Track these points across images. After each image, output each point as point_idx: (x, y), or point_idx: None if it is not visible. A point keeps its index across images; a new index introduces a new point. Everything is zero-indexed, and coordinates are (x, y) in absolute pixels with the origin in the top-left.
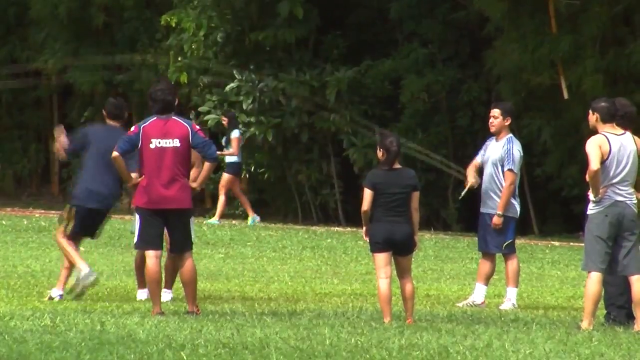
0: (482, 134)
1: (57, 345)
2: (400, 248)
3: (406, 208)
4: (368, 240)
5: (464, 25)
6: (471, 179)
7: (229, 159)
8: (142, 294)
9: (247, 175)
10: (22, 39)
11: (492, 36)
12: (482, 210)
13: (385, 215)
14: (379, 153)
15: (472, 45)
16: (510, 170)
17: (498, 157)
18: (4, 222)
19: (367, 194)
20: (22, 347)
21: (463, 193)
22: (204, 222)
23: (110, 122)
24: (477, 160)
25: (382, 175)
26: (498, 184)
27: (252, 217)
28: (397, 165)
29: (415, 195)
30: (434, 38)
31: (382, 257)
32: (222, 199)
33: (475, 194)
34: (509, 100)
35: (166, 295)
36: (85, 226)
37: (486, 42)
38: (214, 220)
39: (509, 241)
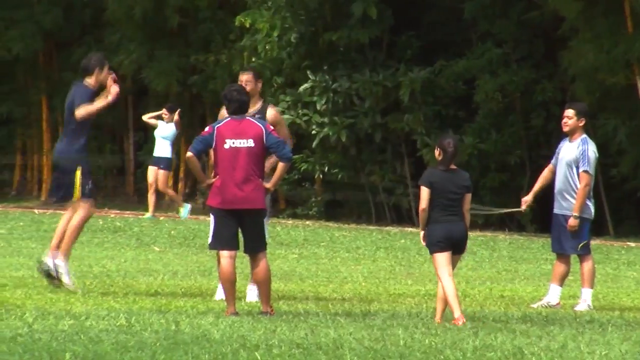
0: (557, 134)
1: (132, 345)
2: (457, 247)
3: (460, 209)
4: (426, 243)
5: (538, 25)
6: (526, 200)
7: (162, 155)
8: (251, 294)
9: (321, 176)
10: (97, 40)
11: (567, 36)
12: (556, 211)
13: (443, 215)
14: (436, 153)
15: (546, 45)
16: (585, 171)
17: (573, 157)
18: None
19: (425, 192)
20: (98, 347)
21: (511, 210)
22: (142, 217)
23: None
24: (552, 163)
25: (439, 175)
26: (572, 185)
27: (151, 215)
28: (453, 166)
29: (468, 197)
30: (508, 38)
31: (444, 257)
32: (171, 193)
33: (549, 194)
34: (584, 101)
35: (252, 293)
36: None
37: (561, 42)
38: (183, 214)
39: (585, 242)
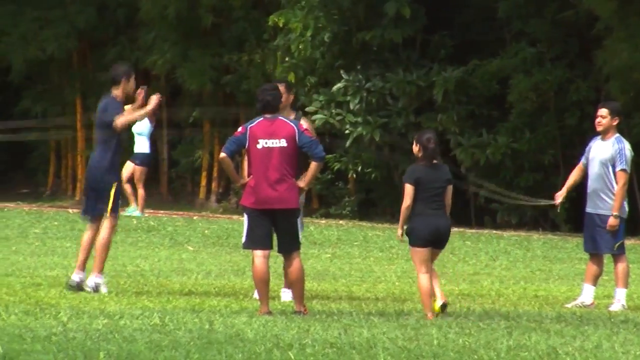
0: (591, 134)
1: (166, 344)
2: (440, 242)
3: (443, 202)
4: (407, 235)
5: (572, 24)
6: (560, 196)
7: (139, 150)
8: (286, 295)
9: (355, 175)
10: (131, 39)
11: (601, 35)
12: (590, 210)
13: (428, 209)
14: (416, 149)
15: (580, 44)
16: (623, 170)
17: (608, 156)
18: None
19: (409, 188)
20: (132, 346)
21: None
22: (126, 214)
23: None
24: (582, 162)
25: (422, 171)
26: (608, 184)
27: (133, 208)
28: (435, 161)
29: (450, 189)
30: (542, 37)
31: (424, 252)
32: (140, 192)
33: (583, 194)
34: (618, 100)
35: (285, 294)
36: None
37: (595, 41)
38: (136, 211)
39: (620, 242)
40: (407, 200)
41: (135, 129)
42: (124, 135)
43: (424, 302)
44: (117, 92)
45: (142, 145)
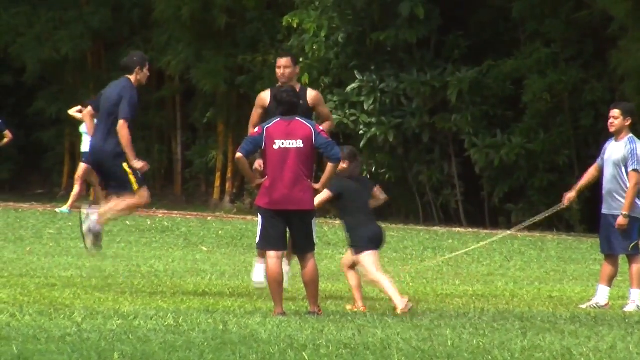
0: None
1: (180, 345)
2: (380, 244)
3: (371, 209)
4: (356, 246)
5: (587, 25)
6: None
7: (87, 149)
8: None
9: (369, 176)
10: (145, 40)
11: (616, 35)
12: (605, 211)
13: (364, 219)
14: (344, 165)
15: (595, 45)
16: (635, 170)
17: (621, 157)
18: (127, 222)
19: (325, 195)
20: (146, 347)
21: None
22: (56, 210)
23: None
24: (598, 163)
25: (351, 185)
26: (622, 184)
27: (67, 208)
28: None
29: (377, 188)
30: (557, 37)
31: (373, 255)
32: (76, 189)
33: (598, 194)
34: (633, 100)
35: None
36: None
37: (610, 42)
38: (64, 209)
39: (635, 242)
40: (317, 199)
41: (82, 129)
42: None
43: (393, 298)
44: (130, 77)
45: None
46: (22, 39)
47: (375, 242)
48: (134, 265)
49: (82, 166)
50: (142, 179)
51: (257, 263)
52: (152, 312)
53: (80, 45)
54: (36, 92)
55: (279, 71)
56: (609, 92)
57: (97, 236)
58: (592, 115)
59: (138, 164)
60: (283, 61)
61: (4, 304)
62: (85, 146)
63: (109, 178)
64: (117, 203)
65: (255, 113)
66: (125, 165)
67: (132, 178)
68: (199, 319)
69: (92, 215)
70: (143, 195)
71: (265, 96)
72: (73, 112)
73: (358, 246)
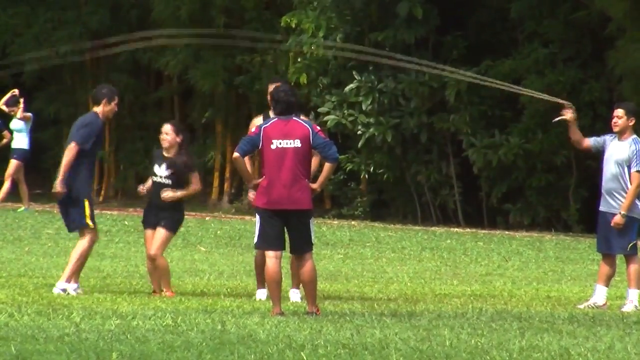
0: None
1: (178, 345)
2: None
3: None
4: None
5: (585, 25)
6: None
7: (18, 146)
8: (262, 294)
9: (367, 176)
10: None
11: (614, 36)
12: (603, 209)
13: None
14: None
15: (593, 45)
16: (638, 171)
17: (624, 157)
18: (126, 223)
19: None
20: (144, 347)
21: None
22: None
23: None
24: (589, 142)
25: None
26: (623, 184)
27: (26, 208)
28: None
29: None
30: (555, 38)
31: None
32: (6, 185)
33: (596, 195)
34: (631, 100)
35: (294, 295)
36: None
37: (608, 42)
38: (23, 208)
39: (633, 242)
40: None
41: (13, 125)
42: (95, 152)
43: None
44: (97, 110)
45: (19, 141)
46: (21, 39)
47: None
48: (132, 266)
49: (12, 163)
50: (94, 218)
51: (258, 289)
52: (151, 312)
53: (79, 45)
54: (34, 93)
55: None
56: (607, 92)
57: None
58: (590, 116)
59: (58, 187)
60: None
61: (2, 304)
62: (16, 143)
63: (72, 210)
64: (77, 259)
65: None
66: (87, 203)
67: (87, 216)
68: (197, 319)
69: (69, 289)
70: (93, 233)
71: (257, 122)
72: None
73: None
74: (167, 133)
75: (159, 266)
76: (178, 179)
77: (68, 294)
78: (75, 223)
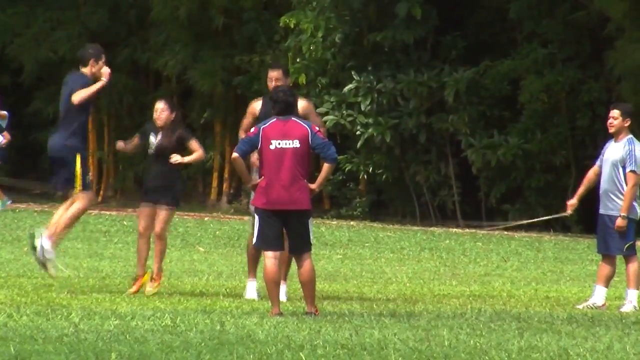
0: (603, 135)
1: (177, 345)
2: None
3: None
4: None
5: (584, 25)
6: (572, 205)
7: None
8: (252, 291)
9: (366, 177)
10: (142, 40)
11: (613, 36)
12: (602, 211)
13: None
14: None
15: (592, 45)
16: (633, 171)
17: (619, 158)
18: (125, 223)
19: None
20: (143, 347)
21: (559, 215)
22: None
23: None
24: (597, 165)
25: None
26: (618, 185)
27: (2, 201)
28: None
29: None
30: (554, 38)
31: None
32: None
33: (594, 195)
34: (630, 101)
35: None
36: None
37: (607, 42)
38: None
39: (630, 243)
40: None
41: None
42: (85, 116)
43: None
44: (85, 70)
45: None
46: (20, 39)
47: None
48: (131, 266)
49: None
50: (89, 183)
51: (249, 281)
52: (150, 313)
53: (78, 45)
54: (33, 93)
55: (270, 83)
56: (605, 92)
57: (51, 261)
58: (589, 116)
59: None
60: (275, 73)
61: (1, 305)
62: None
63: (62, 170)
64: (64, 221)
65: (246, 120)
66: (78, 163)
67: (78, 178)
68: (196, 319)
69: (45, 244)
70: (86, 197)
71: (256, 105)
72: None
73: None
74: (163, 110)
75: (160, 244)
76: (176, 151)
77: (39, 254)
78: (62, 184)
